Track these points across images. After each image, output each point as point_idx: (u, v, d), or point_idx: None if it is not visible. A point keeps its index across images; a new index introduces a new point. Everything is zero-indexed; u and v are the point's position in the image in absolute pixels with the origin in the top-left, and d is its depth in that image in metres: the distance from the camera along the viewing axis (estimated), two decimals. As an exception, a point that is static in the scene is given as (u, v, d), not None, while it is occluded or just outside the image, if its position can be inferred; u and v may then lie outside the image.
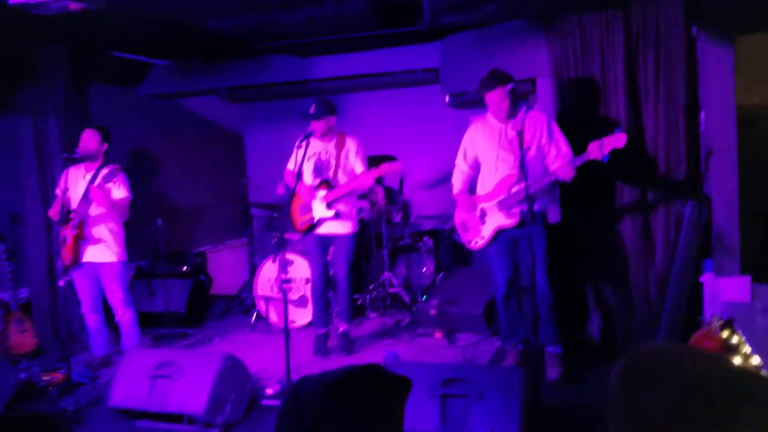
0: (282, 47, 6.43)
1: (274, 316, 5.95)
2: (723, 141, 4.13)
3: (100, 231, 4.85)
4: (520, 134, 3.91)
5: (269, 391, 4.10)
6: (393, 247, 6.38)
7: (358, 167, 4.88)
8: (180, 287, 6.25)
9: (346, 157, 4.86)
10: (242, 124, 8.06)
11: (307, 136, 4.46)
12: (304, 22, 4.98)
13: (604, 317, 4.89)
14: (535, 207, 4.22)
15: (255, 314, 6.09)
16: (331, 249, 5.07)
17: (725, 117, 4.11)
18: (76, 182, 4.87)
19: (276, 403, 4.00)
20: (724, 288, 3.83)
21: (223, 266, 7.81)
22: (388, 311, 6.20)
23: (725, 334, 3.19)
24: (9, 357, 5.25)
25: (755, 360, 2.77)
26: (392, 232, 6.36)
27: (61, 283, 4.78)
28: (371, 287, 6.24)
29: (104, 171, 4.74)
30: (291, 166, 4.99)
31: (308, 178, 4.90)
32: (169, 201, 7.29)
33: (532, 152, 4.18)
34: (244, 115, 7.99)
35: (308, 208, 4.87)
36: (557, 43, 4.88)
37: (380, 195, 6.56)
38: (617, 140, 3.77)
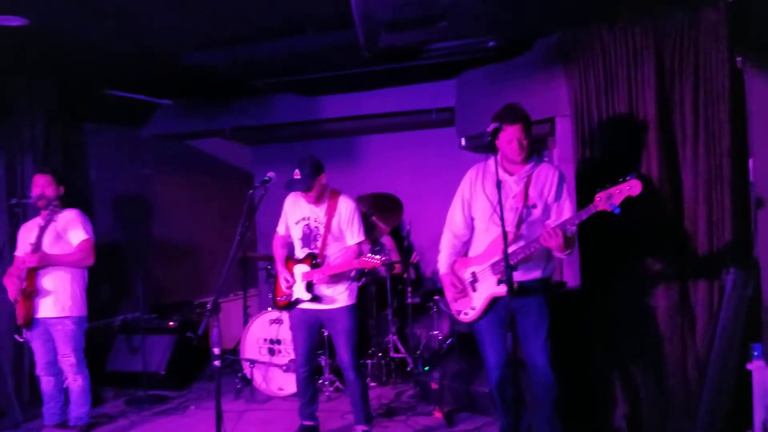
0: (286, 84, 5.93)
1: (260, 382, 5.31)
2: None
3: (51, 281, 4.34)
4: (526, 188, 3.38)
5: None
6: (399, 306, 5.67)
7: (350, 237, 4.06)
8: (162, 345, 5.69)
9: (338, 225, 4.06)
10: (254, 167, 7.56)
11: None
12: (288, 54, 4.46)
13: (632, 405, 4.03)
14: (537, 273, 3.47)
15: (240, 378, 5.45)
16: (326, 329, 4.29)
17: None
18: (29, 233, 4.40)
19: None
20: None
21: (232, 319, 7.27)
22: (391, 380, 5.47)
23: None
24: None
25: None
26: (398, 288, 5.65)
27: (20, 338, 4.34)
28: (371, 351, 5.51)
29: (57, 217, 4.28)
30: (281, 230, 4.26)
31: (297, 246, 4.18)
32: (176, 247, 6.86)
33: (537, 211, 3.42)
34: (256, 156, 7.47)
35: (290, 283, 4.13)
36: (576, 77, 4.16)
37: (394, 254, 5.86)
38: (630, 188, 3.02)
